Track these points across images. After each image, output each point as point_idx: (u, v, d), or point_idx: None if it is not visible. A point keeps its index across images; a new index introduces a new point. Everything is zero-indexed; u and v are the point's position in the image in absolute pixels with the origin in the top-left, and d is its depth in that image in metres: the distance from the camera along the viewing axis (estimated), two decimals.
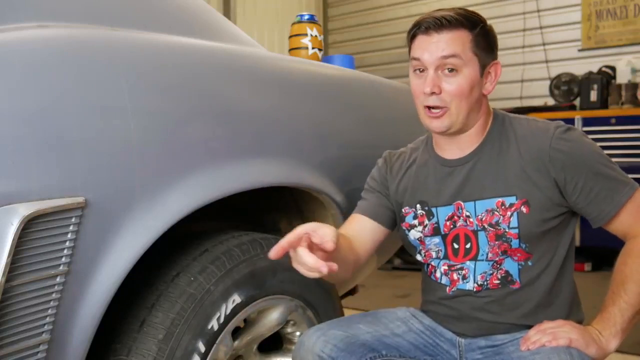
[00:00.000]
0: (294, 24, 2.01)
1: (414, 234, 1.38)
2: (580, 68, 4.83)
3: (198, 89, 1.23)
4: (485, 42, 1.26)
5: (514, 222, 1.24)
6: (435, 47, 1.24)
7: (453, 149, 1.33)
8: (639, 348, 2.44)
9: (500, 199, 1.26)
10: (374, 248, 1.41)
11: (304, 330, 1.48)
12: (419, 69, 1.27)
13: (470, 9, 1.31)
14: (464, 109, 1.25)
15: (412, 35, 1.29)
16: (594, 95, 4.47)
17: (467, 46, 1.24)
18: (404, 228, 1.40)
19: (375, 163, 1.49)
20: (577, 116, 4.35)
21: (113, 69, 1.07)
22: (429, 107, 1.26)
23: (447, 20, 1.23)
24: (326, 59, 2.04)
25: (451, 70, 1.23)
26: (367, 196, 1.44)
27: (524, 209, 1.24)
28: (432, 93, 1.24)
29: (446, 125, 1.26)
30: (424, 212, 1.36)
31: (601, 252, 4.04)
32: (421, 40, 1.26)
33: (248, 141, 1.32)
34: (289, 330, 1.53)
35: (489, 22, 1.31)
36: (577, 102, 4.68)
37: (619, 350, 1.20)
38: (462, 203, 1.30)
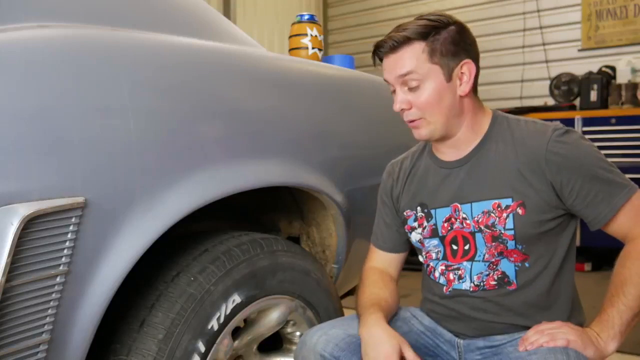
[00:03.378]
0: (294, 24, 2.01)
1: (414, 236, 1.39)
2: (580, 68, 4.83)
3: (198, 89, 1.22)
4: (445, 46, 1.25)
5: (509, 223, 1.24)
6: (393, 66, 1.28)
7: (450, 152, 1.34)
8: (639, 348, 2.44)
9: (496, 201, 1.26)
10: (402, 265, 1.52)
11: (304, 330, 1.48)
12: (392, 90, 1.31)
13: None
14: (439, 117, 1.27)
15: (378, 59, 1.32)
16: (594, 95, 4.47)
17: (421, 58, 1.25)
18: (406, 231, 1.41)
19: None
20: (577, 116, 4.35)
21: (113, 69, 1.07)
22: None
23: (394, 41, 1.26)
24: (326, 59, 2.04)
25: (414, 85, 1.26)
26: (380, 226, 1.50)
27: (519, 211, 1.24)
28: (402, 110, 1.29)
29: (426, 134, 1.30)
30: (423, 214, 1.37)
31: (601, 252, 4.04)
32: (384, 63, 1.31)
33: (248, 141, 1.32)
34: (289, 330, 1.53)
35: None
36: (577, 102, 4.68)
37: (618, 350, 1.20)
38: (459, 205, 1.31)
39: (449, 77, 1.26)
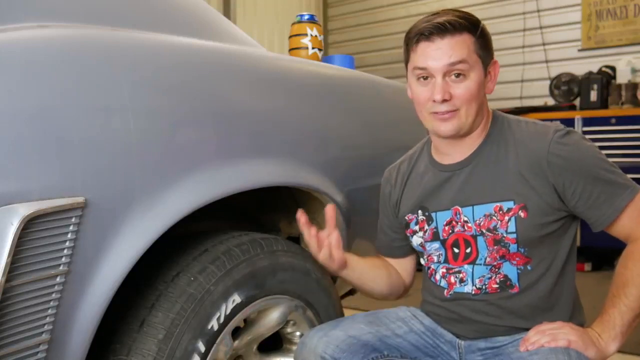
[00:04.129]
0: (294, 24, 2.01)
1: (416, 240, 1.38)
2: (580, 68, 4.83)
3: (198, 89, 1.22)
4: (485, 42, 1.26)
5: (511, 227, 1.24)
6: (441, 53, 1.21)
7: (452, 153, 1.33)
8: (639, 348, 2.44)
9: (498, 204, 1.25)
10: (412, 270, 1.51)
11: (304, 330, 1.48)
12: (422, 77, 1.25)
13: (471, 9, 1.31)
14: (473, 111, 1.25)
15: (414, 42, 1.25)
16: (594, 95, 4.47)
17: (471, 49, 1.23)
18: (408, 234, 1.40)
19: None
20: (577, 116, 4.35)
21: (113, 69, 1.07)
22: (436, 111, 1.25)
23: (450, 24, 1.21)
24: (326, 59, 2.04)
25: (458, 75, 1.22)
26: (381, 235, 1.50)
27: (521, 214, 1.23)
28: (444, 100, 1.22)
29: (455, 128, 1.25)
30: (424, 218, 1.36)
31: (601, 252, 4.04)
32: (424, 47, 1.23)
33: (248, 141, 1.32)
34: (289, 330, 1.52)
35: (488, 22, 1.32)
36: (577, 102, 4.68)
37: (619, 351, 1.20)
38: (460, 208, 1.30)
39: (485, 72, 1.27)
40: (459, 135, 1.28)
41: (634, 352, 2.46)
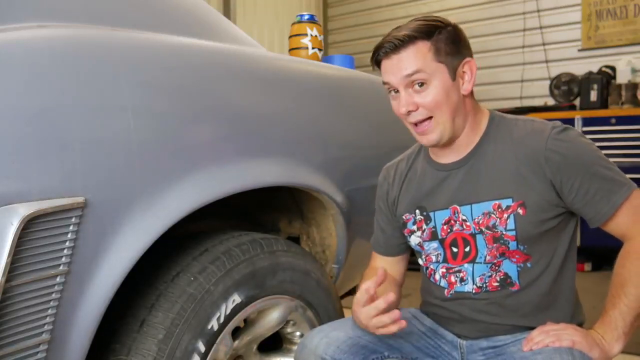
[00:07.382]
0: (294, 24, 2.01)
1: (414, 240, 1.38)
2: (580, 68, 4.83)
3: (198, 89, 1.22)
4: (447, 45, 1.24)
5: (510, 224, 1.24)
6: (398, 68, 1.24)
7: (448, 155, 1.34)
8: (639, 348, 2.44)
9: (496, 202, 1.26)
10: (405, 268, 1.51)
11: (304, 330, 1.48)
12: (393, 91, 1.28)
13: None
14: (447, 115, 1.25)
15: (376, 62, 1.29)
16: (594, 95, 4.47)
17: (428, 57, 1.23)
18: (406, 234, 1.40)
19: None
20: (577, 116, 4.35)
21: (113, 69, 1.07)
22: (415, 124, 1.27)
23: (399, 40, 1.23)
24: (326, 59, 2.04)
25: (421, 84, 1.24)
26: (377, 230, 1.49)
27: (520, 211, 1.23)
28: (409, 111, 1.26)
29: (437, 138, 1.27)
30: (422, 218, 1.36)
31: (601, 252, 4.03)
32: (385, 64, 1.27)
33: (248, 141, 1.32)
34: (289, 330, 1.53)
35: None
36: (577, 102, 4.69)
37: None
38: (458, 207, 1.30)
39: (453, 76, 1.25)
40: (446, 142, 1.30)
41: (635, 352, 2.46)
